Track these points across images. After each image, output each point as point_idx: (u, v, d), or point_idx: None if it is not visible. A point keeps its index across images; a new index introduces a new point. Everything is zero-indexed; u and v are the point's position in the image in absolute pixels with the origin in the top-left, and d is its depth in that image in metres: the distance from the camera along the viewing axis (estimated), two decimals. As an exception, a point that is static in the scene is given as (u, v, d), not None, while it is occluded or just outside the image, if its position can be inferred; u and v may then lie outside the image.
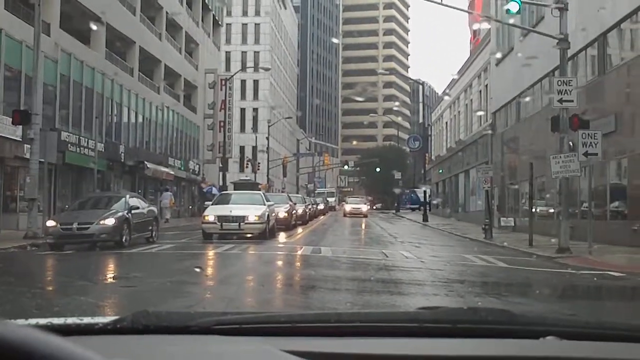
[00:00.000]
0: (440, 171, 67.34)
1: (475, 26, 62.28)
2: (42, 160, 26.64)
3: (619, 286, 14.85)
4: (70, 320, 2.21)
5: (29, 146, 27.10)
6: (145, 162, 47.63)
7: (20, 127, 27.70)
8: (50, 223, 22.65)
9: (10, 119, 26.95)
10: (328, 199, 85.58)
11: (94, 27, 40.11)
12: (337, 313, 3.38)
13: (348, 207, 62.94)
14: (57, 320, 2.20)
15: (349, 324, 2.29)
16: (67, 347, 0.82)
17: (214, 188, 57.42)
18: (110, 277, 15.53)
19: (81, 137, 38.23)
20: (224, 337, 1.98)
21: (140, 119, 49.88)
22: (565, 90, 21.36)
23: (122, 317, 2.14)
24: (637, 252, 20.55)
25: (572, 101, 21.42)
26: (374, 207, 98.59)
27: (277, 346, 1.80)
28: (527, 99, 36.66)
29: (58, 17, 36.18)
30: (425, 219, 49.32)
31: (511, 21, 30.03)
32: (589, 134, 20.68)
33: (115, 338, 1.99)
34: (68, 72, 37.83)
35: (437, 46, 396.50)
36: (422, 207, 54.33)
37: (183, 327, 2.08)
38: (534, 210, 28.28)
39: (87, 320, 2.22)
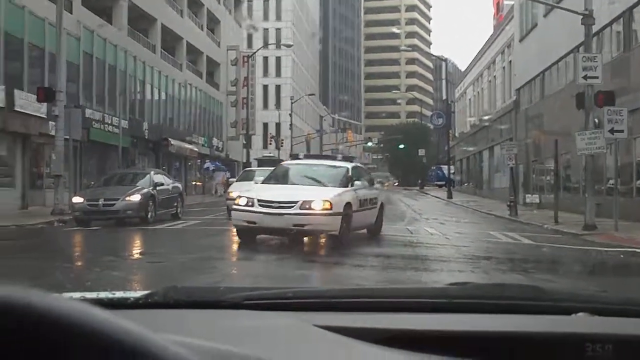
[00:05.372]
0: (465, 147, 67.04)
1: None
2: (67, 137, 26.79)
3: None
4: (103, 295, 2.22)
5: (53, 123, 27.26)
6: (169, 139, 47.80)
7: (45, 104, 27.87)
8: (77, 199, 22.81)
9: (35, 96, 27.10)
10: None
11: (116, 3, 40.16)
12: (367, 288, 3.38)
13: None
14: (90, 295, 2.21)
15: (379, 299, 2.28)
16: (115, 320, 0.82)
17: (210, 164, 58.21)
18: (137, 253, 15.64)
19: (105, 114, 38.41)
20: (255, 312, 1.98)
21: (163, 96, 50.01)
22: (590, 66, 21.10)
23: (153, 292, 2.14)
24: (664, 229, 20.37)
25: (597, 77, 21.17)
26: (394, 184, 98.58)
27: (308, 321, 1.79)
28: (552, 75, 36.32)
29: (81, -6, 36.26)
30: (449, 196, 49.17)
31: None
32: (614, 111, 20.46)
33: (147, 312, 1.99)
34: (91, 50, 37.95)
35: (459, 22, 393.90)
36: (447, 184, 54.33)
37: (213, 302, 2.08)
38: (559, 187, 28.10)
39: (119, 294, 2.23)
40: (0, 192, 28.89)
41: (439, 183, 76.64)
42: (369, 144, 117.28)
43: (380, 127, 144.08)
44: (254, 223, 15.08)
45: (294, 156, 21.87)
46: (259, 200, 15.20)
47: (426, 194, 62.81)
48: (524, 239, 19.11)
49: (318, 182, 16.72)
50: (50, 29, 30.98)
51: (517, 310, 2.13)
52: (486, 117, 54.90)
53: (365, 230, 17.77)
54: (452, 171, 61.69)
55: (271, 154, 73.66)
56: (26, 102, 29.74)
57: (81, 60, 36.55)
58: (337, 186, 16.44)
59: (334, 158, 21.20)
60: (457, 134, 73.80)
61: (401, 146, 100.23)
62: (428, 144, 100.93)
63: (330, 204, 15.08)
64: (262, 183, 17.30)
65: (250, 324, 1.80)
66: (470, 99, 66.66)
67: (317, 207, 15.00)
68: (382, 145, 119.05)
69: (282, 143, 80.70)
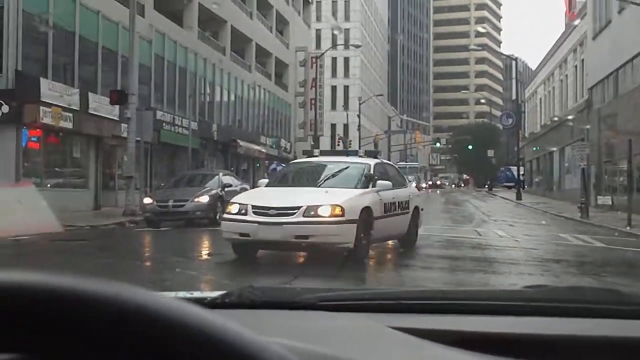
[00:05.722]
0: (535, 148, 66.05)
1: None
2: (139, 139, 27.26)
3: None
4: (181, 294, 2.26)
5: (125, 125, 27.77)
6: (238, 140, 48.26)
7: (118, 106, 28.44)
8: (147, 200, 23.22)
9: (108, 99, 27.68)
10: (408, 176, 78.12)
11: (187, 6, 40.75)
12: (441, 290, 3.36)
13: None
14: (168, 294, 2.25)
15: (453, 301, 2.27)
16: (216, 319, 0.83)
17: (277, 165, 58.20)
18: (206, 254, 15.82)
19: (175, 116, 39.00)
20: (330, 313, 1.99)
21: (232, 98, 50.51)
22: (667, 64, 20.62)
23: (229, 292, 2.17)
24: None
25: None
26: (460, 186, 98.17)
27: (383, 322, 1.80)
28: (626, 73, 35.51)
29: (152, -2, 36.93)
30: (518, 197, 48.56)
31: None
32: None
33: (224, 312, 2.01)
34: (162, 52, 38.60)
35: (530, 20, 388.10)
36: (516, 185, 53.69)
37: (288, 302, 2.10)
38: (632, 188, 27.46)
39: (196, 294, 2.28)
40: (74, 193, 29.60)
41: (508, 184, 75.71)
42: (437, 144, 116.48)
43: (449, 127, 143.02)
44: (247, 236, 12.31)
45: (309, 153, 21.47)
46: (253, 207, 12.47)
47: (495, 195, 62.13)
48: (596, 241, 18.72)
49: (331, 183, 13.86)
50: (123, 32, 31.61)
51: (595, 314, 2.09)
52: (557, 117, 53.99)
53: (429, 232, 17.49)
54: (521, 172, 60.85)
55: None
56: (99, 104, 30.41)
57: (153, 62, 37.21)
58: (354, 187, 13.60)
59: (354, 154, 19.03)
60: (527, 135, 72.75)
61: (470, 147, 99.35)
62: (497, 144, 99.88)
63: (342, 209, 12.21)
64: (266, 186, 14.40)
65: (326, 325, 1.81)
66: (540, 99, 65.64)
67: (325, 213, 12.15)
68: (450, 146, 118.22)
69: (350, 144, 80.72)
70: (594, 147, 38.03)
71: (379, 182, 13.75)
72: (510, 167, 76.67)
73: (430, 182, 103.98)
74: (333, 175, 14.27)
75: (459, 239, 18.35)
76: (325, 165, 15.24)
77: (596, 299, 2.29)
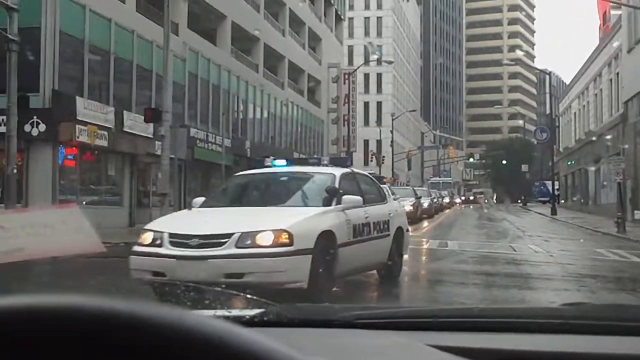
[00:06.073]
0: (570, 162, 65.46)
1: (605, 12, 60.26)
2: (173, 156, 27.44)
3: None
4: (220, 312, 2.27)
5: (160, 143, 27.94)
6: (271, 157, 48.34)
7: (152, 124, 28.68)
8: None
9: (142, 117, 27.92)
10: (442, 191, 68.60)
11: (220, 25, 41.09)
12: (479, 308, 3.35)
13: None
14: (207, 312, 2.26)
15: (491, 319, 2.26)
16: (260, 340, 0.83)
17: None
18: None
19: (209, 133, 39.25)
20: (367, 331, 1.99)
21: (265, 115, 50.73)
22: None
23: (267, 310, 2.19)
24: None
25: None
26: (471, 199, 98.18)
27: (421, 340, 1.79)
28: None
29: (186, 17, 37.26)
30: (553, 212, 48.14)
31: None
32: None
33: (263, 330, 2.02)
34: (196, 70, 38.91)
35: (564, 34, 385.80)
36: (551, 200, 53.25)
37: (325, 321, 2.10)
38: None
39: (235, 312, 2.29)
40: (109, 210, 29.85)
41: (542, 199, 75.12)
42: (471, 160, 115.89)
43: (483, 142, 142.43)
44: (163, 275, 8.81)
45: (259, 163, 14.93)
46: (170, 236, 9.16)
47: (529, 210, 61.65)
48: (633, 256, 18.48)
49: (281, 201, 10.91)
50: (157, 51, 31.91)
51: (636, 332, 2.07)
52: (592, 131, 53.50)
53: (463, 248, 17.25)
54: (556, 187, 60.33)
55: (372, 171, 73.63)
56: (134, 122, 30.70)
57: (186, 80, 37.53)
58: (310, 205, 10.56)
59: (317, 163, 15.37)
60: (561, 149, 72.16)
61: (504, 162, 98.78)
62: (531, 159, 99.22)
63: (290, 235, 8.91)
64: (201, 206, 10.93)
65: (364, 343, 1.82)
66: (575, 113, 65.08)
67: (266, 241, 8.86)
68: (484, 161, 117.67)
69: (384, 160, 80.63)
70: (630, 161, 37.61)
71: (345, 197, 10.49)
72: (545, 182, 76.03)
73: (463, 197, 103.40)
74: (285, 191, 11.49)
75: (493, 255, 18.23)
76: (278, 178, 12.12)
77: (637, 317, 2.26)
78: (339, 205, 10.34)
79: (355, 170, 13.14)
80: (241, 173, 13.30)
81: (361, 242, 10.71)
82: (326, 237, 9.48)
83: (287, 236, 8.88)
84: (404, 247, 12.85)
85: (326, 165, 13.08)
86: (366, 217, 11.01)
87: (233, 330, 0.84)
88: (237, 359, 0.79)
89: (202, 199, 11.50)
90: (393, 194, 27.93)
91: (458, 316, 2.32)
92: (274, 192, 11.57)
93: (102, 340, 0.78)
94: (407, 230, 13.38)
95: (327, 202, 10.39)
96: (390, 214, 12.26)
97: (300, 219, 9.55)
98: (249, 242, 8.81)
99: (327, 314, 2.22)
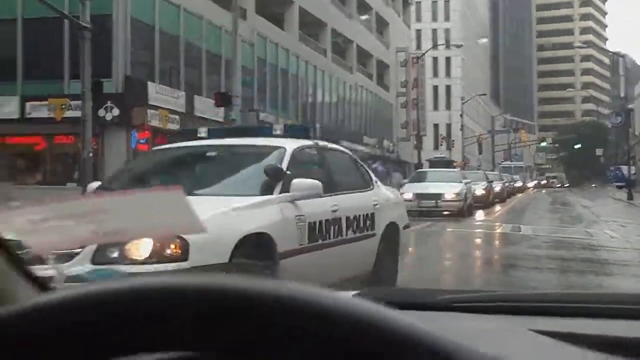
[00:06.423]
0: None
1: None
2: (243, 140, 27.61)
3: None
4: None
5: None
6: (340, 141, 48.37)
7: (222, 108, 28.89)
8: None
9: (213, 101, 28.15)
10: (514, 175, 66.93)
11: (287, 10, 41.15)
12: (579, 293, 3.24)
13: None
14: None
15: (591, 304, 2.14)
16: (411, 321, 0.82)
17: (379, 166, 58.02)
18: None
19: (279, 117, 39.37)
20: (466, 314, 1.91)
21: (334, 99, 50.71)
22: None
23: (362, 291, 2.12)
24: None
25: None
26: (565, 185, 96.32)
27: (521, 325, 1.70)
28: None
29: (254, 2, 37.39)
30: (630, 197, 47.03)
31: None
32: None
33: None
34: (264, 55, 39.05)
35: (637, 15, 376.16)
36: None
37: (421, 304, 2.02)
38: None
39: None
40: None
41: (618, 184, 73.53)
42: (543, 144, 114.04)
43: (555, 126, 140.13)
44: None
45: (191, 132, 10.63)
46: None
47: (604, 196, 60.45)
48: None
49: (196, 187, 6.79)
50: (226, 36, 32.11)
51: None
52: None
53: (537, 233, 16.93)
54: (632, 172, 58.90)
55: (442, 155, 73.13)
56: (205, 106, 31.00)
57: (255, 65, 37.68)
58: (243, 193, 6.86)
59: (269, 132, 9.33)
60: (637, 133, 70.44)
61: (577, 146, 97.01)
62: (606, 143, 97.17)
63: (182, 244, 5.52)
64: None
65: (465, 326, 1.74)
66: (651, 95, 63.45)
67: (140, 253, 5.52)
68: (556, 145, 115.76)
69: (454, 144, 79.90)
70: None
71: (295, 181, 6.96)
72: (621, 166, 74.39)
73: (536, 181, 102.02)
74: (209, 172, 8.18)
75: (567, 240, 17.86)
76: (203, 154, 8.51)
77: None
78: (285, 194, 6.92)
79: (322, 143, 9.50)
80: (160, 147, 10.72)
81: (324, 247, 7.37)
82: (256, 244, 6.24)
83: (177, 245, 5.52)
84: (399, 249, 9.14)
85: (279, 137, 8.67)
86: (334, 211, 7.63)
87: (394, 315, 0.81)
88: (409, 344, 0.78)
89: (98, 183, 8.60)
90: (464, 177, 27.75)
91: (557, 301, 2.21)
92: (190, 174, 8.08)
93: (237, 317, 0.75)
94: (406, 227, 9.63)
95: (266, 189, 6.96)
96: (376, 204, 8.62)
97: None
98: (114, 255, 5.47)
99: (423, 297, 2.13)
